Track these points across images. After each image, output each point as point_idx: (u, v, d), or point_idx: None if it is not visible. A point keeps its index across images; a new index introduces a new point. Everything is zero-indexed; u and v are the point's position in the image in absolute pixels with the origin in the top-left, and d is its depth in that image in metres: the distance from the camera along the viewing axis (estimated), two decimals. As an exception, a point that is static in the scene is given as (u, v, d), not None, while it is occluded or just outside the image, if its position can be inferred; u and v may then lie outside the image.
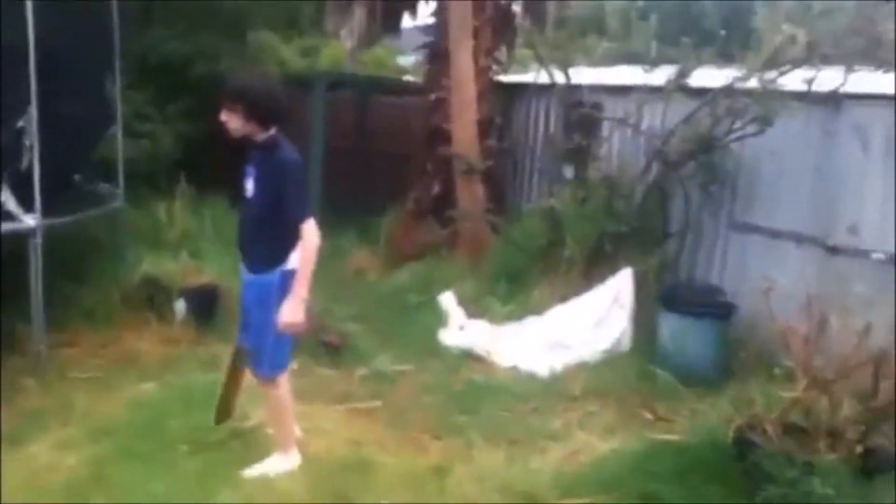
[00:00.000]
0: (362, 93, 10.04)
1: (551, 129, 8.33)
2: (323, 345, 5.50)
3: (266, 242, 3.61)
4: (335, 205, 8.25)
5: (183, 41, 8.69)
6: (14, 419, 4.34)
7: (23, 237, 5.07)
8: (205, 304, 5.70)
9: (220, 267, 5.95)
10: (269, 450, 3.95)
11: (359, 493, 3.73)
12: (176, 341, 5.46)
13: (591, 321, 5.76)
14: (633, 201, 6.60)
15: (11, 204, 5.13)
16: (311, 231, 3.50)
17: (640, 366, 5.33)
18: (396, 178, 8.33)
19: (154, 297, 5.66)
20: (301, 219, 3.49)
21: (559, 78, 7.52)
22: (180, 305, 5.65)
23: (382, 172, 8.75)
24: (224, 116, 3.51)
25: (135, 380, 4.91)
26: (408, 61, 11.71)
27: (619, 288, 5.92)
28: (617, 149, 7.41)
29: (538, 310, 6.20)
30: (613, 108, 7.90)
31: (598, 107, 7.76)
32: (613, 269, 6.16)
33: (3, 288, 5.26)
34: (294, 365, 5.30)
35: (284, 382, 3.85)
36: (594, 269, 6.41)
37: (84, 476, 3.76)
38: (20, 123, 5.12)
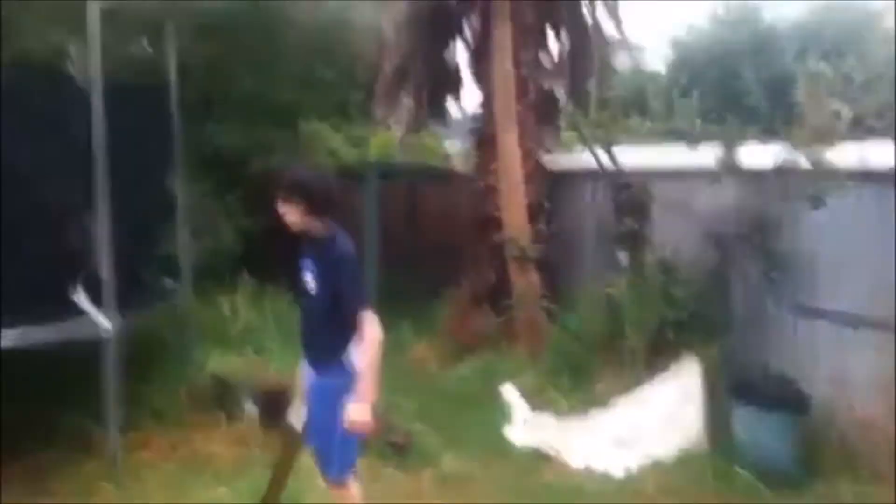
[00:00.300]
0: (412, 181, 10.19)
1: (601, 212, 8.37)
2: (389, 445, 5.46)
3: (327, 336, 3.62)
4: (390, 295, 8.29)
5: (239, 134, 8.96)
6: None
7: (95, 337, 5.15)
8: (274, 406, 5.70)
9: (284, 363, 5.97)
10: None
11: None
12: (246, 442, 5.45)
13: (661, 415, 5.67)
14: (691, 287, 6.55)
15: (85, 303, 5.25)
16: (370, 323, 3.49)
17: (715, 463, 5.20)
18: (449, 266, 8.38)
19: (223, 397, 5.69)
20: (358, 310, 3.49)
21: (605, 160, 7.59)
22: (250, 407, 5.67)
23: (435, 261, 8.80)
24: (281, 209, 3.57)
25: (208, 483, 4.92)
26: (454, 147, 11.87)
27: (686, 379, 5.84)
28: (670, 232, 7.42)
29: (603, 402, 6.12)
30: (663, 189, 7.94)
31: (647, 189, 7.80)
32: (676, 358, 6.09)
33: (75, 386, 5.35)
34: (360, 466, 5.33)
35: (354, 482, 3.81)
36: (657, 357, 6.34)
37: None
38: (91, 222, 5.27)
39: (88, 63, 5.36)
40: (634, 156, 7.72)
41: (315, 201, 3.53)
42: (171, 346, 6.23)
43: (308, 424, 3.87)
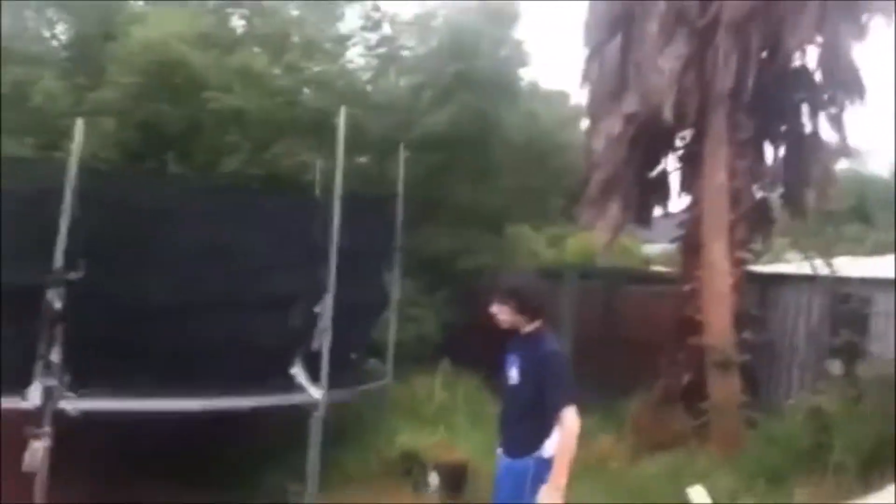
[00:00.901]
0: (611, 282, 10.28)
1: (813, 321, 7.94)
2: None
3: (525, 428, 3.78)
4: (581, 389, 8.30)
5: (450, 237, 9.67)
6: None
7: (307, 408, 5.74)
8: (455, 480, 5.98)
9: (471, 443, 6.25)
10: None
11: None
12: (428, 510, 5.71)
13: (864, 532, 5.18)
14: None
15: (302, 378, 5.89)
16: (571, 418, 3.63)
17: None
18: (643, 366, 8.29)
19: (411, 469, 6.05)
20: (563, 406, 3.64)
21: (822, 270, 7.26)
22: (433, 478, 5.97)
23: (629, 360, 8.75)
24: (495, 309, 3.91)
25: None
26: (654, 250, 11.84)
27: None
28: (890, 346, 6.86)
29: (800, 514, 5.69)
30: (886, 302, 7.42)
31: (867, 301, 7.34)
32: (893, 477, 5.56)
33: (281, 449, 5.95)
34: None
35: None
36: (872, 474, 5.82)
37: None
38: (317, 309, 5.96)
39: (333, 175, 6.19)
40: (854, 265, 7.34)
41: (525, 303, 3.89)
42: (369, 420, 6.73)
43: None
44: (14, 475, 4.66)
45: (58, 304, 4.97)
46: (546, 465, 3.68)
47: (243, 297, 5.80)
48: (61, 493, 4.82)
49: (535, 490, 3.66)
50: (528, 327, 3.87)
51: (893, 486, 5.46)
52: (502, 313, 3.89)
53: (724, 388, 7.38)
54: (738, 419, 7.21)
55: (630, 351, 9.02)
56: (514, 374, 3.89)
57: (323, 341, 5.89)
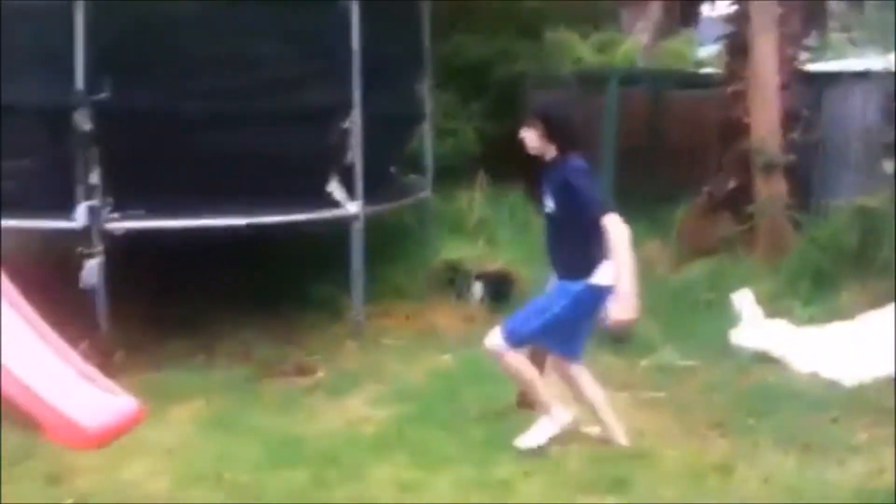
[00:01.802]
0: (656, 87, 9.89)
1: (867, 120, 7.60)
2: (608, 333, 5.56)
3: (571, 254, 3.75)
4: (626, 198, 8.23)
5: (484, 44, 9.25)
6: (334, 375, 5.02)
7: (347, 222, 5.79)
8: (499, 288, 6.08)
9: (513, 253, 6.29)
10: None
11: (638, 482, 3.71)
12: (472, 319, 5.89)
13: (911, 333, 5.18)
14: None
15: (338, 193, 5.87)
16: (614, 223, 3.52)
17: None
18: (689, 171, 8.12)
19: (454, 279, 6.16)
20: (600, 214, 3.53)
21: (880, 64, 6.84)
22: (477, 288, 6.09)
23: (675, 166, 8.58)
24: (523, 132, 3.76)
25: (436, 351, 5.41)
26: (706, 52, 11.29)
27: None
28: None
29: (846, 315, 5.71)
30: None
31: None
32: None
33: (327, 264, 6.07)
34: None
35: (509, 353, 3.85)
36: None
37: (389, 431, 4.23)
38: (346, 124, 5.83)
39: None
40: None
41: (553, 129, 3.69)
42: (413, 234, 6.80)
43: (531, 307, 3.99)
44: (72, 297, 4.79)
45: (86, 126, 4.90)
46: (599, 292, 3.65)
47: (275, 110, 5.64)
48: (119, 311, 4.98)
49: (582, 312, 3.68)
50: (553, 153, 3.72)
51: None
52: (529, 138, 3.74)
53: (770, 191, 7.22)
54: (783, 222, 7.11)
55: (676, 157, 8.83)
56: (549, 203, 3.80)
57: (355, 156, 5.79)
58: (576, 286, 3.70)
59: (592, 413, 4.15)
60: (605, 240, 3.54)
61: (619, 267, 3.53)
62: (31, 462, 3.69)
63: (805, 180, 7.60)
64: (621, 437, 4.11)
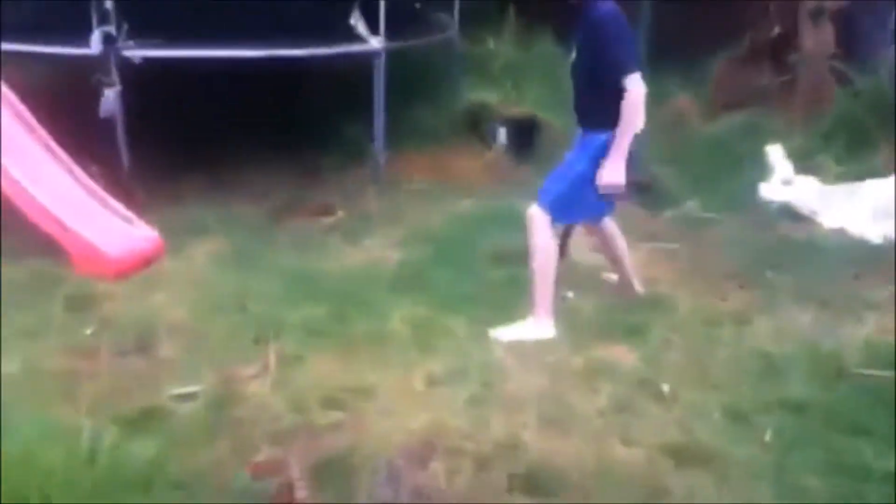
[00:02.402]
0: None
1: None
2: (632, 183, 5.46)
3: (594, 104, 3.56)
4: (661, 46, 7.83)
5: None
6: (354, 217, 5.02)
7: (369, 58, 5.60)
8: (524, 134, 5.94)
9: (539, 98, 6.09)
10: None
11: (653, 329, 3.73)
12: (494, 165, 5.80)
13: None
14: None
15: (361, 27, 5.64)
16: (635, 84, 3.37)
17: None
18: (732, 18, 7.65)
19: (479, 123, 6.00)
20: (622, 73, 3.36)
21: None
22: (501, 133, 5.94)
23: (717, 12, 8.07)
24: None
25: (456, 196, 5.36)
26: None
27: None
28: None
29: (881, 173, 5.52)
30: None
31: None
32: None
33: (350, 104, 5.93)
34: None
35: (545, 233, 3.64)
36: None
37: (407, 271, 4.27)
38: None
39: None
40: None
41: None
42: (438, 74, 6.56)
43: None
44: (92, 126, 4.76)
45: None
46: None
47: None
48: (139, 144, 4.95)
49: (598, 163, 3.52)
50: None
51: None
52: None
53: (815, 38, 6.83)
54: (826, 73, 6.76)
55: (719, 4, 8.30)
56: (576, 50, 3.60)
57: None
58: (600, 138, 3.54)
59: (612, 263, 4.13)
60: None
61: (622, 128, 3.41)
62: (53, 288, 3.78)
63: (855, 30, 7.15)
64: (639, 287, 4.11)
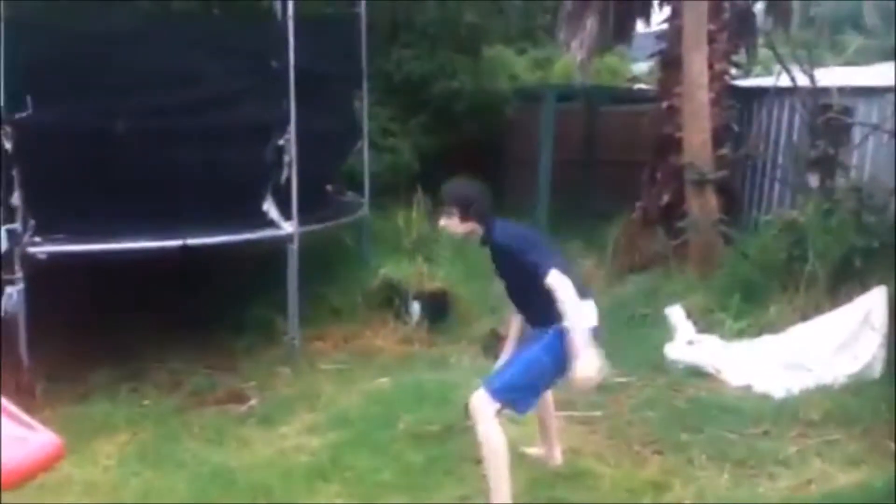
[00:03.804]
0: (591, 103, 10.03)
1: (794, 135, 7.83)
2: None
3: (534, 305, 3.68)
4: (562, 214, 8.35)
5: (423, 60, 9.25)
6: (268, 403, 4.91)
7: (281, 242, 5.69)
8: (437, 308, 6.05)
9: (451, 272, 6.26)
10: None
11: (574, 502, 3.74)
12: (410, 340, 5.86)
13: (836, 343, 5.32)
14: (886, 215, 6.04)
15: (273, 213, 5.77)
16: (555, 280, 3.46)
17: (891, 394, 4.84)
18: (625, 187, 8.25)
19: (392, 299, 6.10)
20: (541, 277, 3.47)
21: (803, 80, 7.05)
22: (415, 308, 6.04)
23: (611, 182, 8.71)
24: (444, 222, 3.75)
25: (373, 374, 5.33)
26: (641, 68, 11.50)
27: (869, 308, 5.42)
28: (870, 157, 6.81)
29: (775, 328, 5.84)
30: (867, 111, 7.28)
31: (848, 111, 7.20)
32: (862, 288, 5.67)
33: (263, 286, 5.96)
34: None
35: (492, 421, 3.58)
36: (840, 287, 5.94)
37: (324, 459, 4.15)
38: (281, 141, 5.74)
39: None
40: (839, 76, 7.10)
41: (468, 210, 3.67)
42: (350, 253, 6.73)
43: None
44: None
45: (7, 146, 4.73)
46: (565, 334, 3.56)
47: (209, 127, 5.52)
48: (42, 340, 4.80)
49: (548, 356, 3.59)
50: (478, 230, 3.72)
51: (861, 295, 5.60)
52: (451, 225, 3.74)
53: (701, 206, 7.37)
54: (714, 236, 7.25)
55: (611, 172, 8.96)
56: (498, 269, 3.83)
57: (291, 174, 5.71)
58: (546, 331, 3.62)
59: (542, 432, 4.13)
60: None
61: (570, 325, 3.47)
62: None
63: (736, 195, 7.78)
64: (558, 458, 4.12)
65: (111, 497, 3.68)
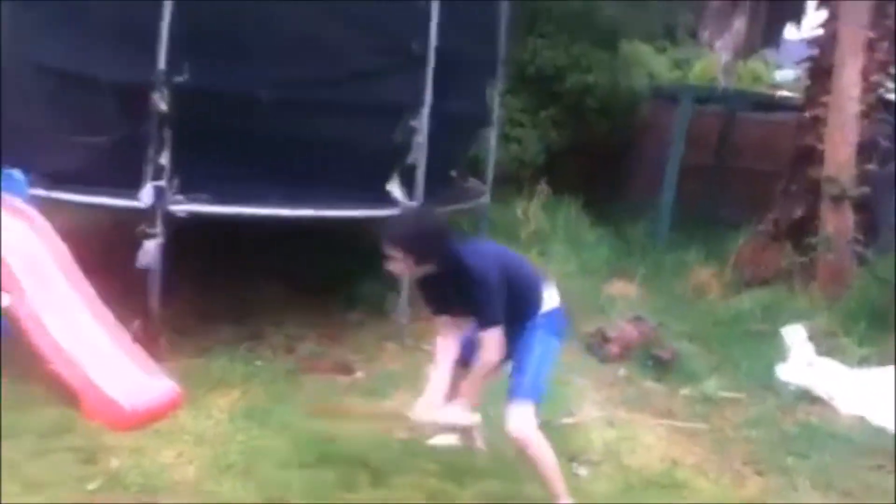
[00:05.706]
0: (730, 107, 9.67)
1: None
2: (652, 358, 5.51)
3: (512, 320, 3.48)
4: (686, 219, 8.11)
5: (559, 52, 9.17)
6: (373, 376, 5.08)
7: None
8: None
9: (564, 267, 6.23)
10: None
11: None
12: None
13: (968, 383, 4.98)
14: None
15: (397, 192, 5.89)
16: (491, 342, 3.35)
17: None
18: (756, 197, 7.92)
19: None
20: (484, 325, 3.37)
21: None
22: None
23: (742, 190, 8.39)
24: (392, 266, 3.43)
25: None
26: (786, 76, 10.97)
27: None
28: None
29: (903, 360, 5.51)
30: None
31: None
32: None
33: (377, 264, 6.10)
34: (623, 372, 5.45)
35: (538, 436, 3.48)
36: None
37: (420, 438, 4.25)
38: (413, 122, 5.83)
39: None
40: None
41: (411, 249, 3.33)
42: (467, 238, 6.76)
43: None
44: (127, 273, 4.95)
45: (163, 107, 5.01)
46: (546, 319, 3.53)
47: (348, 102, 5.64)
48: (171, 294, 5.12)
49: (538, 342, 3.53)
50: (434, 267, 3.38)
51: None
52: (400, 269, 3.47)
53: (836, 223, 7.01)
54: (847, 256, 6.88)
55: (742, 181, 8.63)
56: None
57: (419, 156, 5.81)
58: (531, 326, 3.53)
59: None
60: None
61: (470, 380, 3.49)
62: (65, 437, 3.82)
63: (875, 214, 7.34)
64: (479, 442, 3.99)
65: (217, 449, 3.89)
